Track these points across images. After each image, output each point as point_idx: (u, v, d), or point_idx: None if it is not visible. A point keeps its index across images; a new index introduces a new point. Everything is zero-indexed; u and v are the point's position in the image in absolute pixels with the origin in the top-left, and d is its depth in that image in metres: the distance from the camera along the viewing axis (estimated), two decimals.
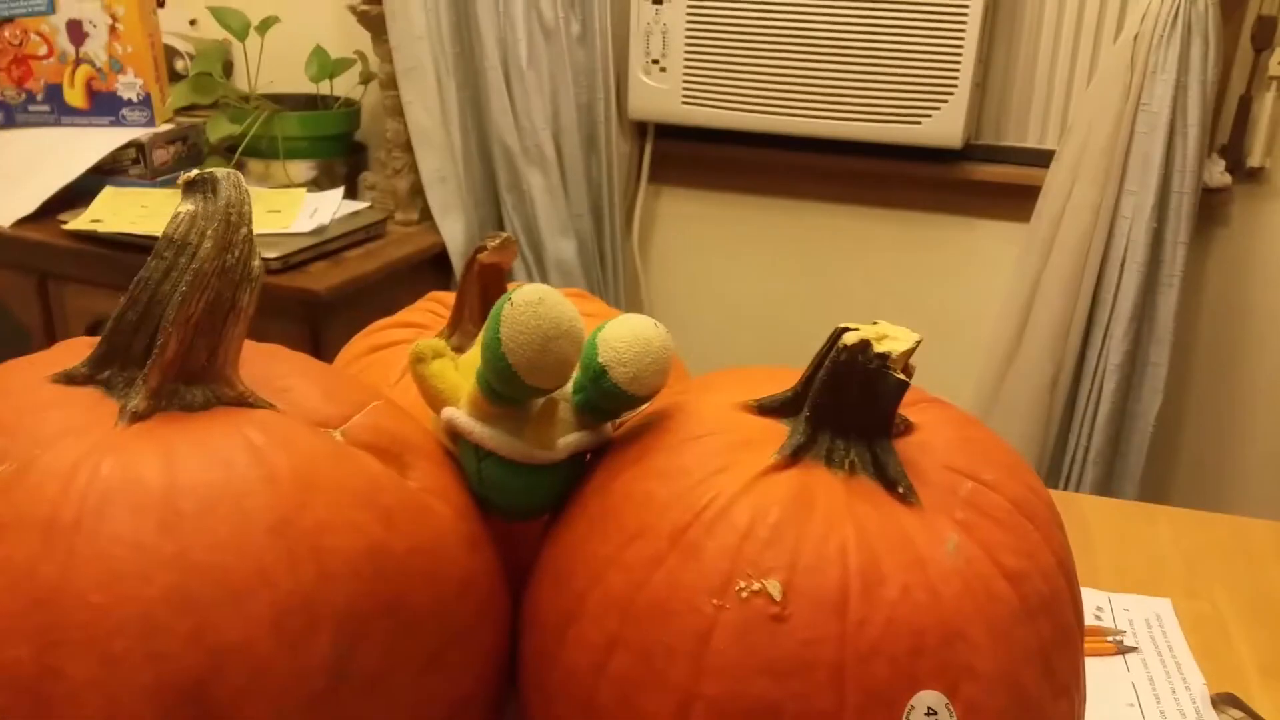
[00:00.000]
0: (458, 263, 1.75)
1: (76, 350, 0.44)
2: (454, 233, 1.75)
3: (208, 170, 0.43)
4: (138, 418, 0.39)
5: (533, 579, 0.46)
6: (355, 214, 1.65)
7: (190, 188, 0.43)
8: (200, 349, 0.41)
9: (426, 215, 1.77)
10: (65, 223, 1.57)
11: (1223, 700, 0.61)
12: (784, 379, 0.48)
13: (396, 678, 0.39)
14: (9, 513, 0.35)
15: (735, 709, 0.38)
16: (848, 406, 0.43)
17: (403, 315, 0.70)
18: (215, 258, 0.41)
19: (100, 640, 0.34)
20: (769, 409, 0.46)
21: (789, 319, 1.85)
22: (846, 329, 0.44)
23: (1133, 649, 0.66)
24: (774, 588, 0.38)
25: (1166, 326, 1.53)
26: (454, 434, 0.47)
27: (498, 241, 0.60)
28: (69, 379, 0.41)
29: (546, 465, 0.46)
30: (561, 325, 0.43)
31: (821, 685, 0.37)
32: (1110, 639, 0.67)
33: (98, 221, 1.53)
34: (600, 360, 0.45)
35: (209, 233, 0.42)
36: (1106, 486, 1.59)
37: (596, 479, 0.46)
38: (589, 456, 0.48)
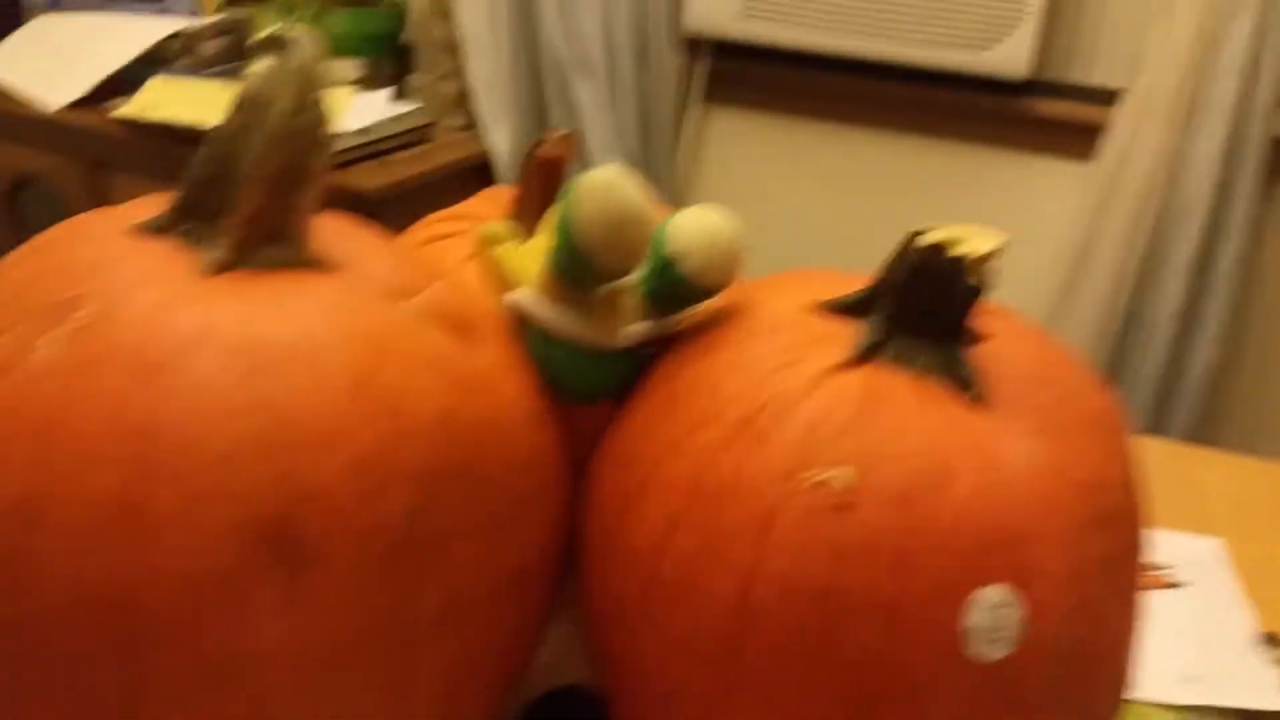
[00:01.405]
0: (503, 172, 1.75)
1: (151, 206, 0.44)
2: (500, 142, 1.75)
3: (286, 28, 0.43)
4: (218, 269, 0.40)
5: (595, 461, 0.47)
6: (402, 116, 1.65)
7: (267, 45, 0.43)
8: (276, 208, 0.42)
9: (474, 123, 1.76)
10: (113, 110, 1.58)
11: (1271, 640, 0.62)
12: (851, 283, 0.48)
13: (465, 540, 0.40)
14: (98, 349, 0.36)
15: (796, 590, 0.38)
16: (922, 309, 0.43)
17: (459, 208, 0.70)
18: (292, 116, 0.41)
19: (187, 475, 0.35)
20: (839, 309, 0.46)
21: (837, 248, 1.84)
22: (922, 231, 0.44)
23: (1182, 584, 0.67)
24: (842, 477, 0.39)
25: (1227, 278, 1.51)
26: (519, 318, 0.48)
27: (559, 135, 0.60)
28: (149, 229, 0.42)
29: (611, 352, 0.47)
30: (635, 209, 0.43)
31: (884, 574, 0.38)
32: (1160, 573, 0.67)
33: (147, 109, 1.53)
34: (669, 250, 0.45)
35: (285, 91, 0.42)
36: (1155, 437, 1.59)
37: (662, 368, 0.46)
38: (654, 348, 0.49)
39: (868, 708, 0.39)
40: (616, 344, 0.46)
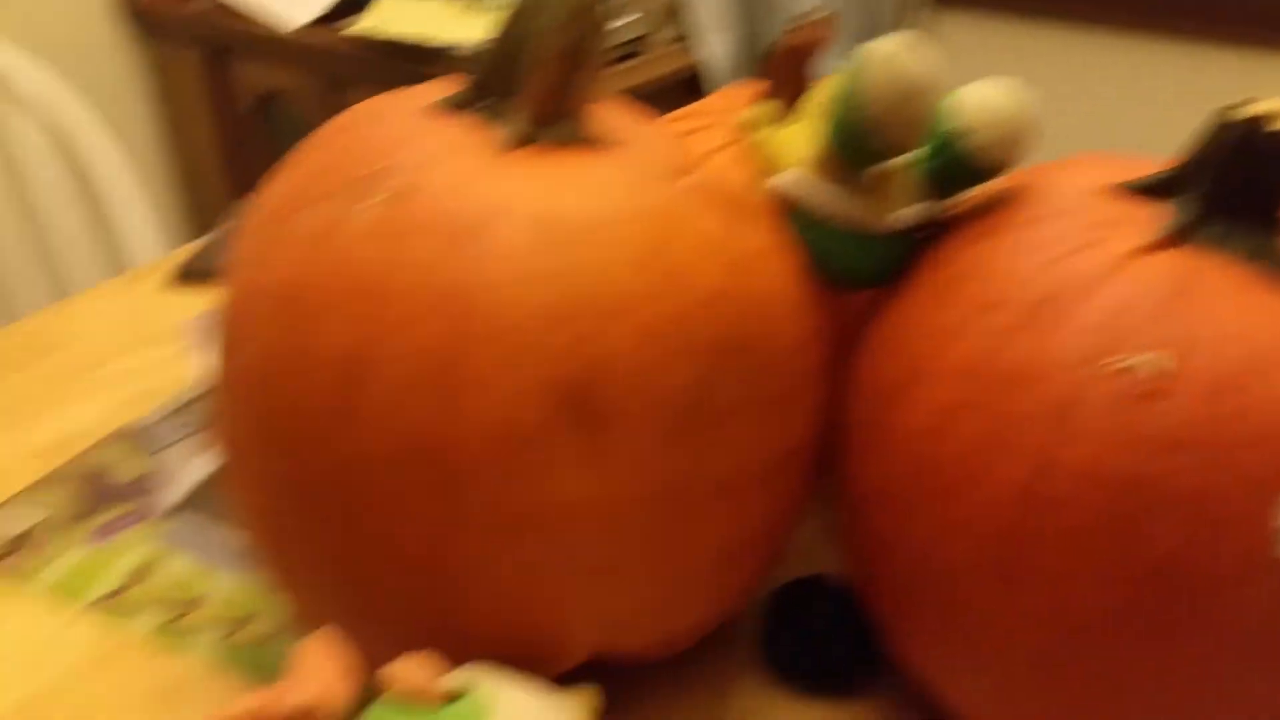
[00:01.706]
0: (715, 84, 1.73)
1: (442, 89, 0.46)
2: (714, 52, 1.73)
3: None
4: (514, 144, 0.41)
5: (861, 349, 0.47)
6: (615, 30, 1.65)
7: None
8: (563, 86, 0.43)
9: (687, 35, 1.75)
10: (348, 28, 1.65)
11: None
12: (1145, 166, 0.45)
13: (743, 416, 0.41)
14: (410, 217, 0.39)
15: (1093, 479, 0.37)
16: (1239, 188, 0.40)
17: (697, 106, 0.70)
18: None
19: (499, 335, 0.37)
20: (1138, 191, 0.44)
21: None
22: (1237, 106, 0.40)
23: None
24: (1152, 364, 0.37)
25: None
26: (787, 201, 0.47)
27: (816, 18, 0.59)
28: (447, 106, 0.44)
29: (882, 236, 0.46)
30: (924, 80, 0.42)
31: (1192, 467, 0.36)
32: None
33: (379, 26, 1.60)
34: (952, 125, 0.44)
35: None
36: None
37: (940, 252, 0.45)
38: (927, 231, 0.47)
39: (1163, 603, 0.37)
40: (889, 226, 0.45)
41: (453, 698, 0.37)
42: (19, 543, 0.65)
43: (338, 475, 0.39)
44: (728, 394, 0.41)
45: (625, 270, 0.39)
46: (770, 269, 0.44)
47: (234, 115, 1.89)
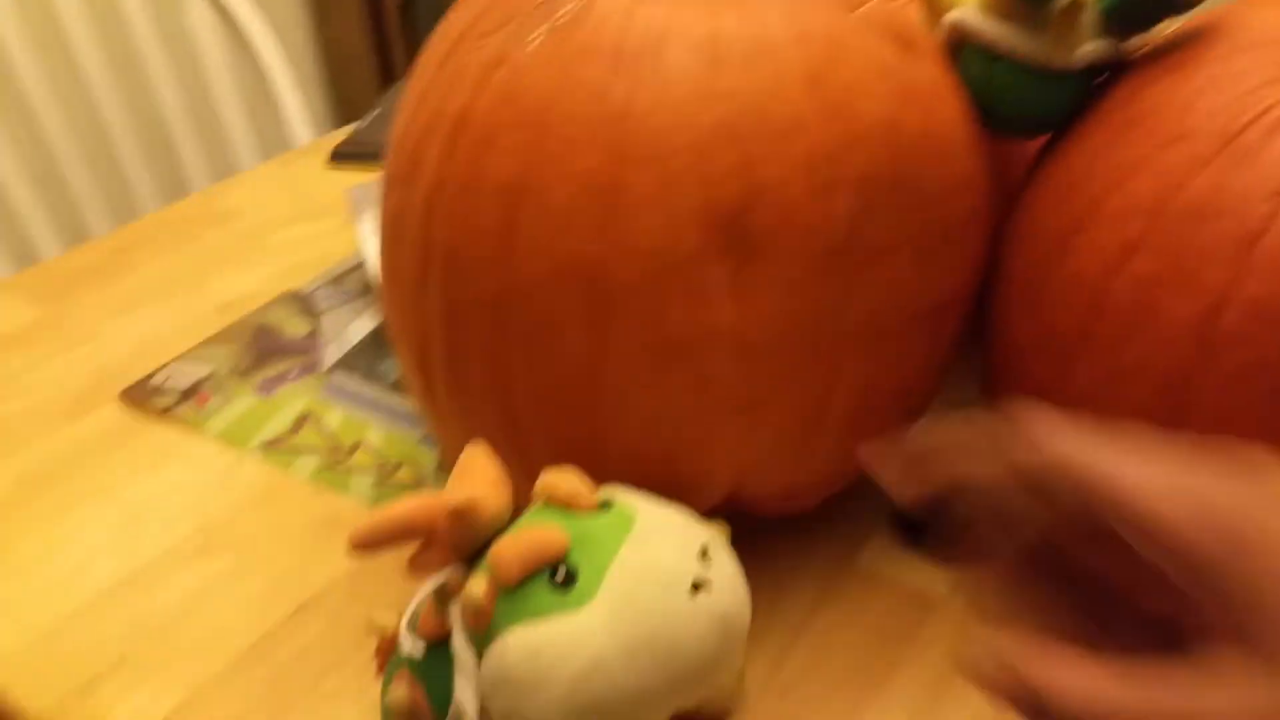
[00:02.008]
0: None
1: None
2: None
3: None
4: None
5: (1028, 193, 0.46)
6: None
7: None
8: None
9: None
10: None
11: None
12: None
13: (897, 255, 0.41)
14: (576, 46, 0.39)
15: (1277, 313, 0.35)
16: None
17: None
18: None
19: (660, 159, 0.37)
20: None
21: None
22: None
23: None
24: None
25: None
26: (959, 40, 0.46)
27: None
28: None
29: (1060, 75, 0.44)
30: None
31: None
32: None
33: None
34: None
35: None
36: None
37: (1121, 89, 0.43)
38: (1105, 72, 0.45)
39: None
40: (1069, 64, 0.43)
41: (602, 507, 0.38)
42: (193, 391, 0.69)
43: (498, 298, 0.40)
44: (884, 231, 0.40)
45: (795, 91, 0.38)
46: (939, 105, 0.43)
47: (382, 6, 1.94)
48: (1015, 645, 0.26)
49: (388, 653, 0.42)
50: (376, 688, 0.49)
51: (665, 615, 0.34)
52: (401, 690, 0.38)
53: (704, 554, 0.36)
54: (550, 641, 0.34)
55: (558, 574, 0.35)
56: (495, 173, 0.39)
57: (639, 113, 0.38)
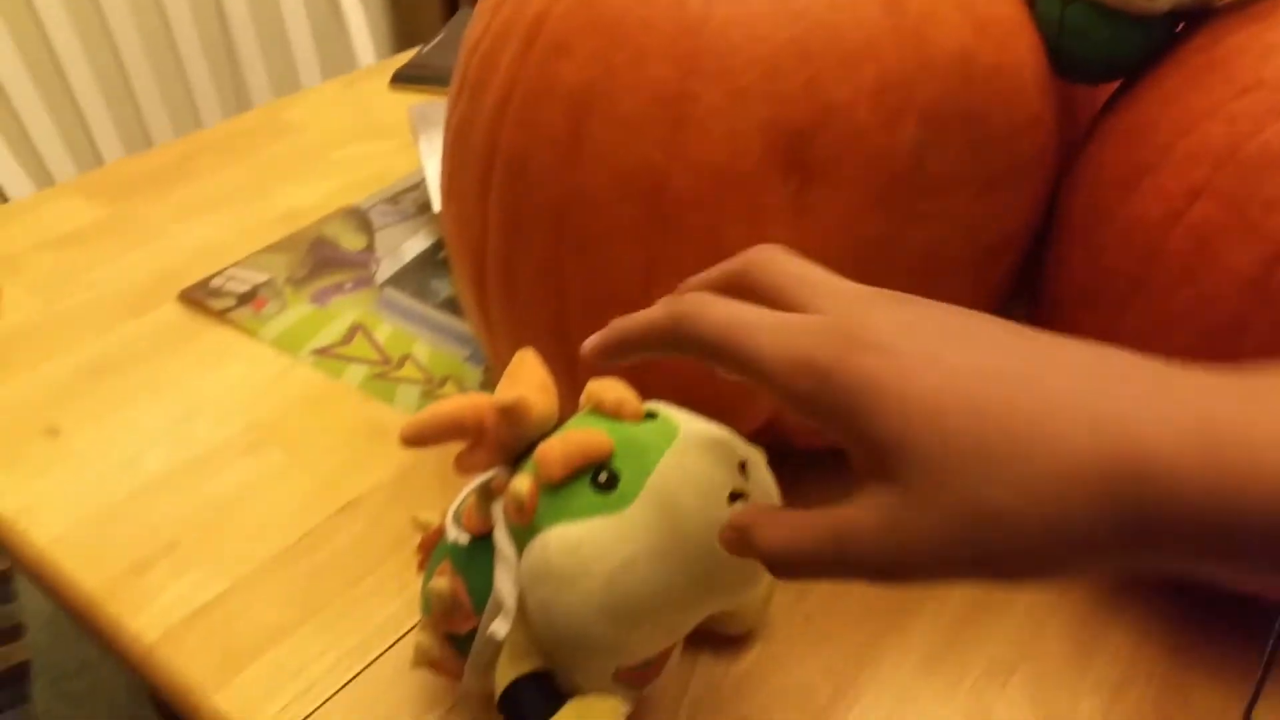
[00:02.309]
0: None
1: None
2: None
3: None
4: None
5: (1095, 138, 0.45)
6: None
7: None
8: None
9: None
10: None
11: None
12: None
13: (959, 189, 0.41)
14: None
15: None
16: None
17: None
18: None
19: (731, 73, 0.38)
20: None
21: None
22: None
23: None
24: None
25: None
26: None
27: None
28: None
29: (1138, 19, 0.43)
30: None
31: None
32: None
33: None
34: None
35: None
36: None
37: (1199, 38, 0.43)
38: (1184, 19, 0.45)
39: None
40: (1150, 9, 0.43)
41: (647, 417, 0.39)
42: (250, 296, 0.71)
43: (558, 206, 0.41)
44: (948, 164, 0.40)
45: (871, 14, 0.38)
46: (1014, 41, 0.42)
47: None
48: (747, 512, 0.30)
49: (429, 548, 0.44)
50: (414, 586, 0.51)
51: (702, 522, 0.35)
52: (443, 580, 0.40)
53: (743, 468, 0.37)
54: (589, 539, 0.35)
55: (600, 476, 0.36)
56: (567, 79, 0.40)
57: (715, 25, 0.38)
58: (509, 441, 0.39)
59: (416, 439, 0.39)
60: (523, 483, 0.36)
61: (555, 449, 0.36)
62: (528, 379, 0.39)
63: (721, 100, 0.38)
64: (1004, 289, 0.48)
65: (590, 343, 0.33)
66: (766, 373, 0.27)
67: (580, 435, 0.37)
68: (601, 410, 0.38)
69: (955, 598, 0.50)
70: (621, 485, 0.36)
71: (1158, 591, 0.50)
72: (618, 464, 0.36)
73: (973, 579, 0.24)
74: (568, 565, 0.35)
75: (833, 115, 0.38)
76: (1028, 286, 0.49)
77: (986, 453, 0.23)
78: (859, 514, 0.26)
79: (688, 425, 0.38)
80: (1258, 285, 0.36)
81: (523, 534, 0.37)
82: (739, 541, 0.31)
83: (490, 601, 0.38)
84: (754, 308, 0.29)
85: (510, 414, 0.38)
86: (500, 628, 0.37)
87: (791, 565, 0.28)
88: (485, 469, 0.40)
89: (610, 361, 0.33)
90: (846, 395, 0.25)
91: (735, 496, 0.36)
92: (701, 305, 0.29)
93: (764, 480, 0.38)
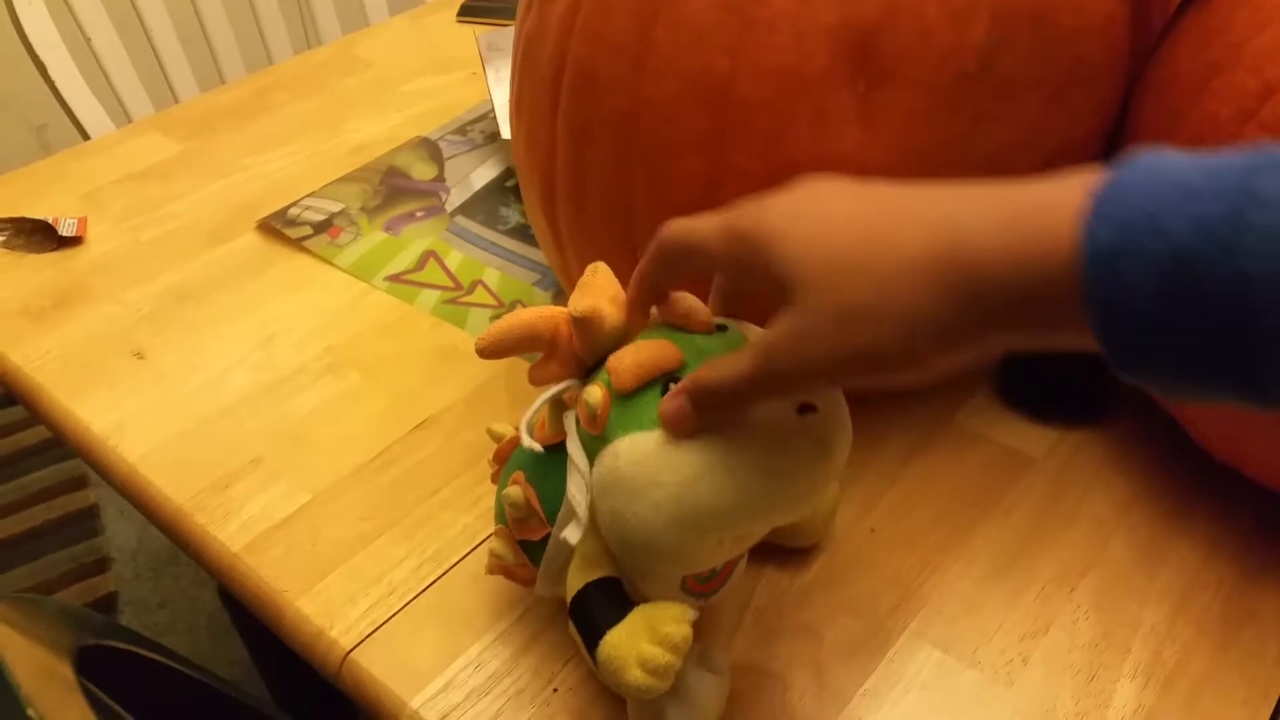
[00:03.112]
0: None
1: None
2: None
3: None
4: None
5: (1167, 41, 0.45)
6: None
7: None
8: None
9: None
10: None
11: None
12: None
13: (1029, 91, 0.41)
14: None
15: None
16: None
17: None
18: None
19: None
20: None
21: None
22: None
23: None
24: None
25: None
26: None
27: None
28: None
29: None
30: None
31: None
32: None
33: None
34: None
35: None
36: None
37: None
38: None
39: None
40: None
41: (718, 330, 0.39)
42: (325, 225, 0.73)
43: (626, 116, 0.42)
44: (1019, 65, 0.40)
45: None
46: None
47: None
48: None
49: (504, 459, 0.45)
50: (487, 500, 0.53)
51: (771, 432, 0.35)
52: (517, 489, 0.41)
53: None
54: (659, 449, 0.36)
55: (671, 386, 0.36)
56: None
57: None
58: (582, 352, 0.40)
59: (493, 349, 0.40)
60: (595, 392, 0.37)
61: (627, 359, 0.37)
62: (600, 290, 0.40)
63: (788, 2, 0.38)
64: None
65: (628, 295, 0.39)
66: (710, 250, 0.34)
67: (651, 346, 0.38)
68: (672, 322, 0.39)
69: (1020, 510, 0.51)
70: None
71: (1225, 504, 0.50)
72: (688, 373, 0.37)
73: (862, 374, 0.30)
74: (638, 475, 0.36)
75: (900, 14, 0.38)
76: None
77: (853, 263, 0.29)
78: (774, 334, 0.32)
79: (753, 335, 0.39)
80: None
81: (595, 443, 0.38)
82: (678, 407, 0.35)
83: (563, 509, 0.39)
84: (703, 215, 0.35)
85: (584, 324, 0.38)
86: (572, 534, 0.38)
87: (733, 392, 0.33)
88: (559, 380, 0.41)
89: (645, 298, 0.39)
90: (760, 247, 0.32)
91: (804, 408, 0.36)
92: (667, 226, 0.36)
93: (833, 394, 0.38)
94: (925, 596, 0.47)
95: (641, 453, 0.36)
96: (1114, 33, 0.43)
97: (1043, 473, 0.53)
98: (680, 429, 0.35)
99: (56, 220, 0.75)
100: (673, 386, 0.37)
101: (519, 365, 0.61)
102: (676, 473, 0.36)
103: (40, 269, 0.72)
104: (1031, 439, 0.54)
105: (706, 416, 0.35)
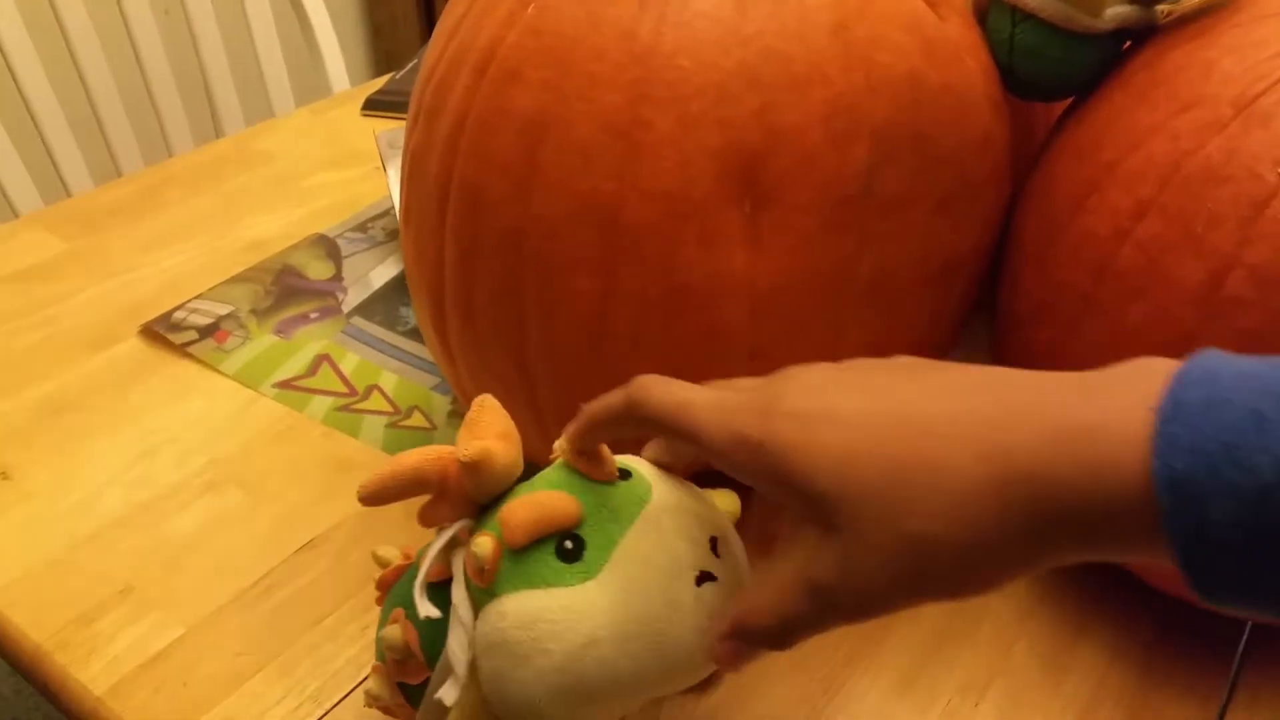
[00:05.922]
0: None
1: None
2: None
3: None
4: None
5: (1047, 156, 0.47)
6: None
7: None
8: None
9: None
10: None
11: None
12: None
13: (912, 210, 0.42)
14: None
15: (1278, 280, 0.36)
16: None
17: None
18: None
19: (681, 100, 0.39)
20: None
21: None
22: None
23: None
24: None
25: None
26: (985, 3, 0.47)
27: None
28: None
29: (1086, 37, 0.45)
30: None
31: None
32: None
33: None
34: None
35: None
36: None
37: (1143, 55, 0.45)
38: (1130, 38, 0.46)
39: None
40: (1096, 25, 0.44)
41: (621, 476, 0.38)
42: (213, 329, 0.72)
43: (514, 235, 0.42)
44: (901, 185, 0.41)
45: (818, 39, 0.40)
46: (963, 62, 0.44)
47: None
48: (730, 616, 0.33)
49: (388, 586, 0.44)
50: (375, 628, 0.52)
51: (666, 604, 0.34)
52: (395, 629, 0.39)
53: (714, 546, 0.36)
54: (548, 614, 0.35)
55: (565, 544, 0.35)
56: (519, 107, 0.41)
57: (664, 52, 0.39)
58: (474, 494, 0.38)
59: (377, 497, 0.38)
60: (485, 544, 0.36)
61: (520, 514, 0.36)
62: (488, 427, 0.38)
63: (673, 128, 0.39)
64: (964, 305, 0.49)
65: (567, 431, 0.37)
66: (713, 450, 0.32)
67: (548, 500, 0.36)
68: (575, 467, 0.38)
69: (924, 621, 0.51)
70: (587, 554, 0.35)
71: (1127, 611, 0.51)
72: (585, 530, 0.36)
73: (927, 599, 0.29)
74: (523, 640, 0.35)
75: (783, 140, 0.39)
76: (989, 304, 0.50)
77: (899, 491, 0.28)
78: (819, 568, 0.30)
79: (660, 489, 0.38)
80: (1206, 300, 0.38)
81: (482, 596, 0.37)
82: (734, 651, 0.33)
83: (440, 663, 0.38)
84: (690, 386, 0.33)
85: (474, 469, 0.37)
86: (448, 695, 0.37)
87: (789, 632, 0.31)
88: (451, 521, 0.39)
89: (588, 445, 0.37)
90: (776, 463, 0.30)
91: (703, 578, 0.35)
92: (644, 389, 0.34)
93: (735, 556, 0.37)
94: (833, 715, 0.47)
95: (529, 614, 0.35)
96: (993, 150, 0.45)
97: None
98: (737, 667, 0.34)
99: None
100: (568, 545, 0.36)
101: None
102: (564, 641, 0.34)
103: None
104: None
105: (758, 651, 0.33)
